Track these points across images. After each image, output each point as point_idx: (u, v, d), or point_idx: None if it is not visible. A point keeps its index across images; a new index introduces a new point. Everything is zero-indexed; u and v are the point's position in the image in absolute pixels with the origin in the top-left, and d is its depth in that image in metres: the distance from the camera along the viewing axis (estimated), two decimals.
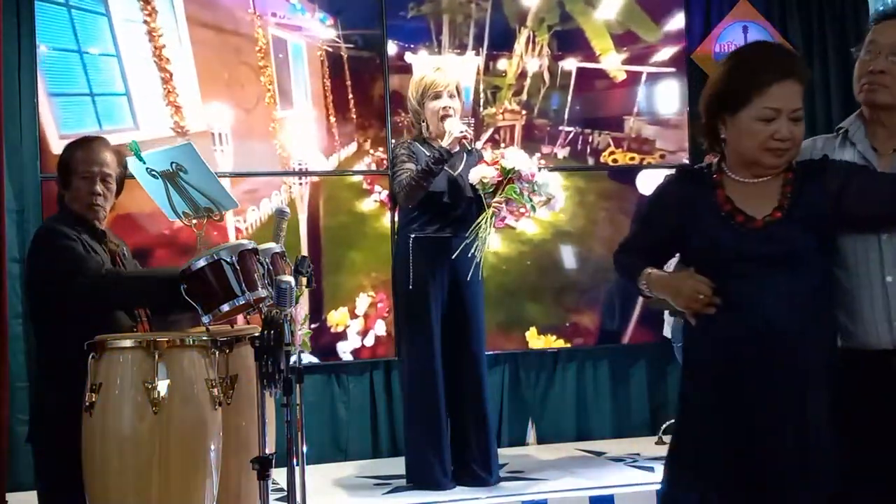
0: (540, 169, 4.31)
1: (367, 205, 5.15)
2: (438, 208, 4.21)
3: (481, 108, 5.27)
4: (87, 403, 2.88)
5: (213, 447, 2.96)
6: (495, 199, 4.17)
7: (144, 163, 3.27)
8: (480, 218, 4.17)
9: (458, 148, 4.14)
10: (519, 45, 5.32)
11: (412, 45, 5.22)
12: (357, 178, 5.16)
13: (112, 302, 3.15)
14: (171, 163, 3.24)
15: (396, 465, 4.66)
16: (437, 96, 4.22)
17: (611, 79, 5.44)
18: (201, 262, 3.01)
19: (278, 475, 2.94)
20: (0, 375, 4.10)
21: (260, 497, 2.82)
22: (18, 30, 4.62)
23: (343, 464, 4.94)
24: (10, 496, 4.04)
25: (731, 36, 5.66)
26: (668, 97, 5.55)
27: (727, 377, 2.28)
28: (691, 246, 2.37)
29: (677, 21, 5.57)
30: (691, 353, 2.44)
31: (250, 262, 3.06)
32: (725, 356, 2.28)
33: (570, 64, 5.37)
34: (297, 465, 2.99)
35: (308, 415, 4.25)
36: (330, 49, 5.15)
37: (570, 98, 5.38)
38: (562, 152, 5.34)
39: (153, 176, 3.28)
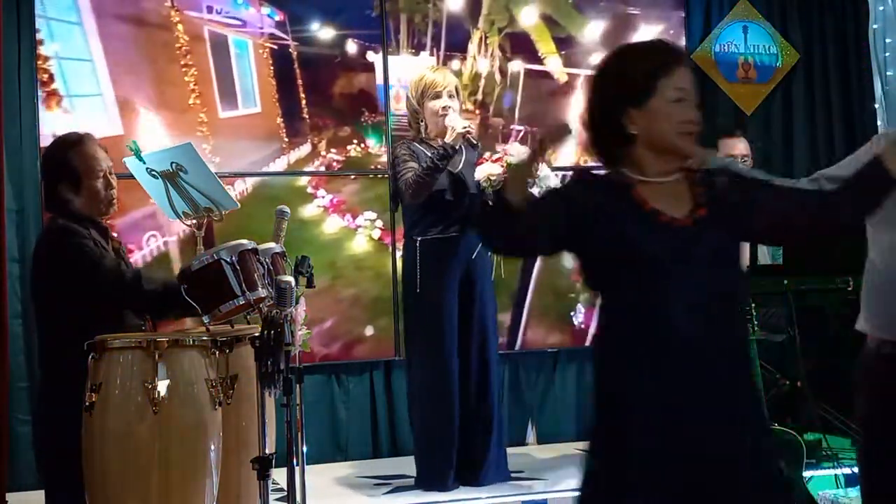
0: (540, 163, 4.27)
1: (309, 210, 4.99)
2: (442, 207, 4.19)
3: None
4: (88, 403, 2.88)
5: (213, 447, 2.96)
6: None
7: (144, 163, 3.27)
8: None
9: (461, 143, 4.12)
10: (472, 46, 5.28)
11: (370, 44, 5.13)
12: (302, 182, 5.03)
13: (128, 300, 3.13)
14: (171, 163, 3.24)
15: (396, 465, 4.66)
16: (437, 96, 4.20)
17: (555, 80, 5.39)
18: (201, 262, 3.01)
19: (278, 475, 2.94)
20: (0, 375, 4.10)
21: (260, 497, 2.82)
22: (18, 30, 4.62)
23: (343, 464, 4.94)
24: (10, 496, 4.03)
25: (731, 36, 5.67)
26: None
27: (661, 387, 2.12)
28: (602, 245, 2.17)
29: (677, 21, 5.58)
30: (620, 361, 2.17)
31: (250, 262, 3.06)
32: (652, 360, 2.13)
33: (518, 66, 5.32)
34: (297, 465, 2.99)
35: (308, 415, 4.24)
36: (276, 46, 4.98)
37: (519, 98, 5.32)
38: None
39: (153, 176, 3.28)
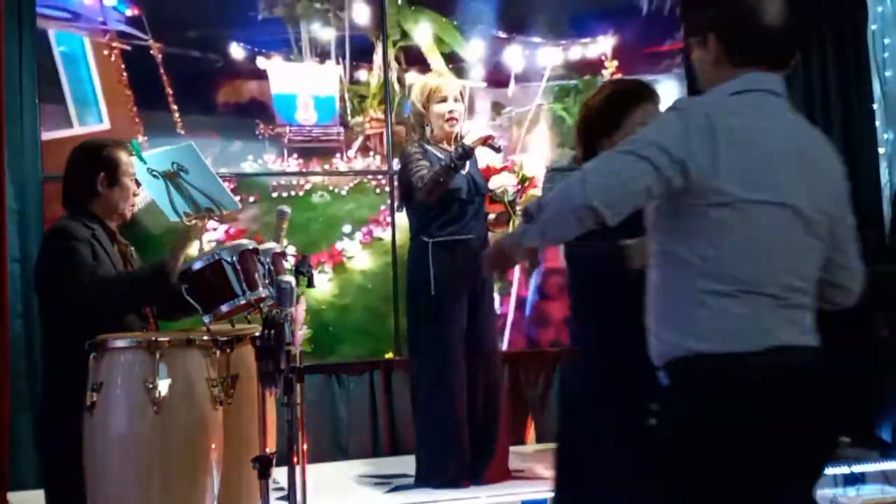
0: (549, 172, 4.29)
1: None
2: (454, 209, 4.23)
3: (349, 117, 5.11)
4: (88, 403, 2.89)
5: (213, 447, 2.97)
6: (520, 207, 4.27)
7: (145, 163, 3.28)
8: (510, 227, 4.27)
9: (479, 146, 4.17)
10: (377, 57, 5.17)
11: (264, 50, 4.78)
12: None
13: (104, 306, 3.13)
14: (172, 163, 3.25)
15: (396, 465, 4.67)
16: (443, 100, 4.26)
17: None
18: (202, 263, 3.02)
19: (278, 474, 2.95)
20: (0, 375, 4.11)
21: (260, 496, 2.83)
22: (20, 31, 4.63)
23: (343, 463, 4.95)
24: (10, 495, 4.05)
25: None
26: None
27: None
28: None
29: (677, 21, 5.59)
30: None
31: (251, 262, 3.07)
32: None
33: (414, 77, 5.14)
34: (298, 464, 2.99)
35: (308, 414, 4.25)
36: (130, 47, 4.37)
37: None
38: None
39: (154, 176, 3.29)
